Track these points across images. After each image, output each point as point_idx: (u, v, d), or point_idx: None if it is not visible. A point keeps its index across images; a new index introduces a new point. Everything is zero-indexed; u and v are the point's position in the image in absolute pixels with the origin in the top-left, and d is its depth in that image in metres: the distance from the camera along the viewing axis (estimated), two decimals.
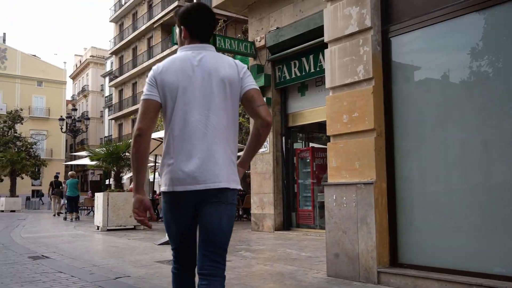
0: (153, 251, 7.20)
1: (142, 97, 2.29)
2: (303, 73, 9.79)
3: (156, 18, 36.76)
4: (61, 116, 34.04)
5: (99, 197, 11.85)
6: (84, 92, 61.18)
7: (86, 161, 16.31)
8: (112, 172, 12.22)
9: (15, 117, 39.21)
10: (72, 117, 32.32)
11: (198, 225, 2.30)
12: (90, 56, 60.33)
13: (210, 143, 2.21)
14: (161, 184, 2.33)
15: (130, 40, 41.88)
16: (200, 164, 2.18)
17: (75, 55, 69.23)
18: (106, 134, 51.48)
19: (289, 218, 10.32)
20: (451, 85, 4.36)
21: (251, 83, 2.33)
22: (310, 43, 9.32)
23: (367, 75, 4.69)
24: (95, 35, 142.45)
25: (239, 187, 2.30)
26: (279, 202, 10.29)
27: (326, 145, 11.56)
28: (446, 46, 4.35)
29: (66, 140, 57.08)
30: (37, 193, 50.32)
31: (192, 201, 2.23)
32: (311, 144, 11.04)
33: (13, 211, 28.48)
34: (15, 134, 38.76)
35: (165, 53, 34.73)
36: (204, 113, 2.21)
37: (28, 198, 43.00)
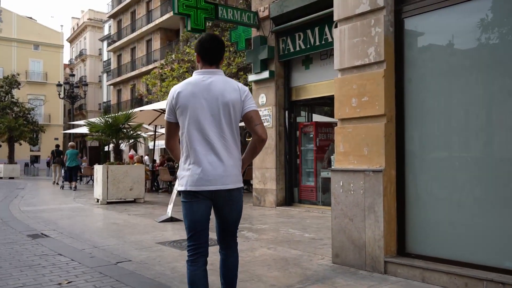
0: (154, 230, 7.12)
1: (166, 118, 2.92)
2: (308, 46, 9.49)
3: None
4: (59, 82, 33.66)
5: (98, 169, 11.72)
6: (81, 56, 60.32)
7: (84, 130, 16.16)
8: (112, 144, 12.04)
9: (12, 82, 38.69)
10: (70, 83, 31.92)
11: (215, 216, 2.93)
12: (88, 19, 59.11)
13: (218, 152, 2.78)
14: (180, 184, 2.83)
15: (128, 3, 40.88)
16: (212, 170, 2.76)
17: (72, 17, 67.90)
18: (105, 100, 51.06)
19: (291, 193, 10.23)
20: (467, 69, 4.14)
21: (251, 106, 2.87)
22: (316, 14, 8.99)
23: (379, 58, 4.45)
24: None
25: (241, 185, 2.91)
26: (282, 177, 10.18)
27: (330, 120, 11.44)
28: (464, 28, 4.10)
29: (64, 105, 56.66)
30: (36, 159, 50.32)
31: (209, 198, 2.80)
32: (314, 119, 10.83)
33: (12, 178, 28.50)
34: (12, 99, 38.35)
35: (164, 17, 33.96)
36: (212, 129, 2.77)
37: (26, 165, 42.93)
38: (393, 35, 4.48)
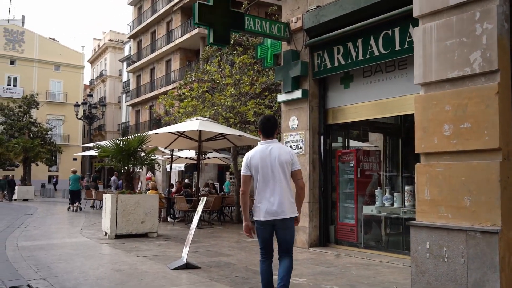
0: (166, 283, 5.73)
1: (241, 173, 4.42)
2: (349, 61, 8.14)
3: (175, 0, 35.15)
4: (77, 102, 32.86)
5: (107, 199, 10.45)
6: (102, 77, 60.14)
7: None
8: (122, 171, 10.80)
9: (30, 102, 38.27)
10: (88, 103, 31.18)
11: (276, 236, 4.38)
12: (109, 40, 59.10)
13: (279, 194, 4.27)
14: (254, 216, 4.39)
15: (148, 23, 40.35)
16: (277, 206, 4.25)
17: (94, 39, 68.11)
18: (124, 121, 50.40)
19: (326, 232, 8.77)
20: None
21: (297, 166, 4.43)
22: (359, 24, 7.68)
23: (489, 66, 3.09)
24: (114, 19, 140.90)
25: (296, 215, 4.39)
26: (316, 213, 8.74)
27: (372, 147, 9.99)
28: None
29: (84, 126, 56.21)
30: (56, 179, 49.60)
31: (271, 224, 4.30)
32: (353, 145, 9.40)
33: (26, 200, 27.58)
34: (30, 119, 37.80)
35: (184, 37, 33.15)
36: (275, 180, 4.29)
37: (43, 185, 42.14)
38: (510, 34, 3.10)
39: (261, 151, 4.35)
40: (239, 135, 12.21)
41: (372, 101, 8.05)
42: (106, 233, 10.31)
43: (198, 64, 18.58)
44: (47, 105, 54.53)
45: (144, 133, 11.25)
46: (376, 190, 8.18)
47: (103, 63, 61.24)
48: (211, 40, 8.24)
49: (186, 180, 24.31)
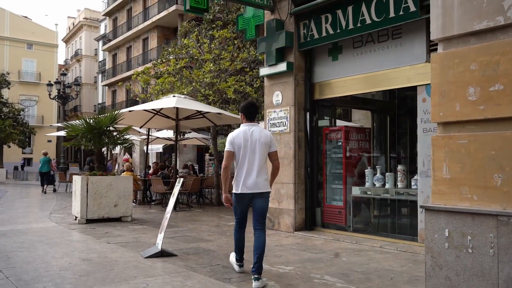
0: (137, 273, 5.11)
1: (226, 149, 4.90)
2: (338, 31, 7.51)
3: None
4: (49, 81, 31.56)
5: (76, 181, 9.71)
6: (77, 56, 58.31)
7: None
8: (94, 151, 10.03)
9: (0, 81, 36.61)
10: (61, 82, 29.98)
11: (252, 207, 4.89)
12: (84, 18, 57.14)
13: (256, 170, 4.81)
14: (234, 189, 4.88)
15: (124, 0, 38.93)
16: (254, 181, 4.80)
17: (68, 17, 65.94)
18: (100, 101, 49.01)
19: (312, 215, 8.24)
20: None
21: (274, 148, 4.98)
22: None
23: None
24: None
25: (269, 190, 4.96)
26: (301, 195, 8.19)
27: (362, 124, 9.45)
28: None
29: (59, 106, 54.55)
30: (29, 162, 48.14)
31: (249, 197, 4.85)
32: (341, 123, 8.84)
33: None
34: (1, 99, 36.24)
35: (162, 14, 31.98)
36: (253, 158, 4.82)
37: (16, 168, 40.78)
38: None
39: (244, 132, 4.92)
40: (219, 113, 11.54)
41: (363, 74, 7.47)
42: (76, 218, 9.60)
43: (176, 40, 17.70)
44: (20, 85, 52.65)
45: (117, 111, 10.46)
46: (366, 170, 7.65)
47: (78, 42, 59.33)
48: (187, 7, 7.54)
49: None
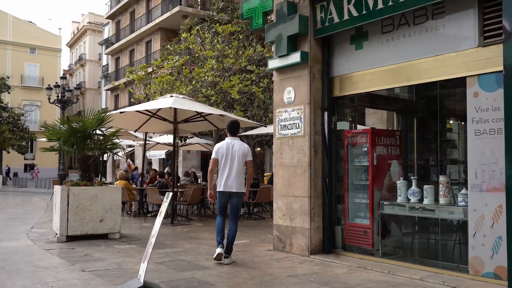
0: None
1: (212, 157, 6.46)
2: (363, 12, 6.17)
3: None
4: (49, 85, 30.48)
5: (57, 192, 8.42)
6: (81, 61, 57.34)
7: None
8: (78, 157, 8.73)
9: (0, 85, 35.59)
10: (61, 86, 28.93)
11: (230, 203, 6.40)
12: (88, 22, 56.23)
13: (234, 175, 6.29)
14: (217, 188, 6.35)
15: (127, 2, 37.81)
16: (231, 183, 6.27)
17: (73, 21, 65.05)
18: (103, 106, 47.93)
19: (331, 235, 6.87)
20: None
21: (249, 158, 6.44)
22: None
23: None
24: (94, 0, 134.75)
25: (243, 190, 6.40)
26: (318, 211, 6.83)
27: (394, 127, 8.07)
28: None
29: (63, 112, 53.66)
30: (5, 168, 46.90)
31: (227, 195, 6.31)
32: (368, 123, 7.48)
33: None
34: (1, 104, 35.20)
35: (165, 16, 30.86)
36: (232, 165, 6.30)
37: (15, 174, 39.68)
38: None
39: (226, 144, 6.41)
40: (221, 115, 10.21)
41: (394, 65, 6.12)
42: (56, 234, 8.30)
43: (177, 38, 16.45)
44: (22, 89, 51.93)
45: (104, 112, 9.17)
46: (398, 182, 6.28)
47: (82, 47, 58.39)
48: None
49: (167, 169, 22.21)
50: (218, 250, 6.24)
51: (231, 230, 6.32)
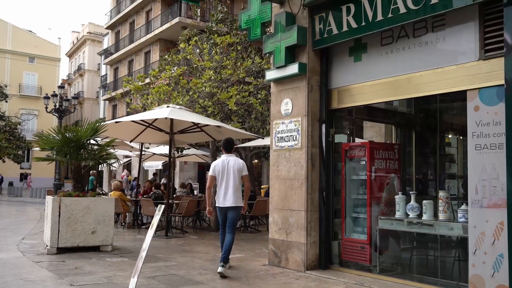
0: None
1: (209, 174, 6.79)
2: (362, 23, 6.09)
3: None
4: (46, 94, 30.38)
5: (48, 203, 8.26)
6: (80, 70, 57.31)
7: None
8: (71, 168, 8.59)
9: None
10: (59, 96, 28.83)
11: (228, 217, 6.63)
12: (88, 32, 56.32)
13: (231, 191, 6.56)
14: (217, 202, 6.67)
15: (127, 13, 37.88)
16: (229, 198, 6.56)
17: (72, 31, 65.18)
18: (101, 116, 47.80)
19: (328, 250, 6.72)
20: None
21: (245, 173, 6.71)
22: None
23: None
24: (94, 10, 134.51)
25: (240, 204, 6.68)
26: (315, 225, 6.68)
27: (393, 140, 7.93)
28: None
29: (61, 122, 53.49)
30: (24, 177, 46.72)
31: (225, 210, 6.60)
32: (366, 137, 7.37)
33: None
34: None
35: (164, 27, 30.90)
36: (229, 181, 6.58)
37: (10, 183, 39.38)
38: None
39: (222, 161, 6.69)
40: (218, 126, 10.09)
41: (393, 77, 6.02)
42: (47, 246, 8.12)
43: (176, 48, 16.39)
44: (20, 98, 51.83)
45: (99, 122, 9.04)
46: (396, 197, 6.15)
47: (82, 57, 58.41)
48: None
49: (164, 180, 22.02)
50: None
51: (228, 240, 6.50)
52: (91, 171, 20.49)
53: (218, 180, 6.62)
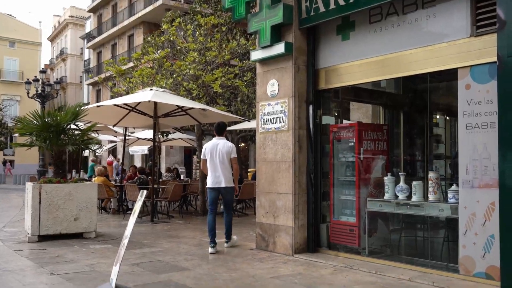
0: None
1: (201, 158, 7.21)
2: (351, 1, 5.88)
3: None
4: (28, 79, 29.69)
5: (28, 190, 8.01)
6: (62, 55, 56.18)
7: None
8: (52, 153, 8.31)
9: None
10: (41, 81, 28.19)
11: (222, 197, 7.14)
12: (69, 16, 55.08)
13: (220, 172, 6.90)
14: (207, 184, 7.02)
15: None
16: (220, 179, 6.89)
17: (54, 15, 63.75)
18: (85, 101, 47.06)
19: (316, 233, 6.60)
20: None
21: (234, 155, 7.03)
22: None
23: None
24: None
25: (231, 185, 7.03)
26: (303, 208, 6.55)
27: (382, 120, 7.79)
28: None
29: (44, 107, 52.59)
30: (3, 163, 45.92)
31: (217, 190, 6.93)
32: (354, 118, 7.22)
33: None
34: None
35: (148, 9, 30.30)
36: (219, 162, 6.91)
37: None
38: None
39: (212, 144, 7.02)
40: (203, 109, 9.87)
41: (382, 56, 5.86)
42: (28, 234, 7.90)
43: (159, 31, 16.00)
44: (1, 84, 50.79)
45: (80, 106, 8.75)
46: (385, 178, 6.04)
47: (64, 41, 57.19)
48: None
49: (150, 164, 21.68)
50: (210, 250, 6.71)
51: (227, 219, 7.10)
52: (91, 158, 20.52)
53: (209, 163, 6.94)
